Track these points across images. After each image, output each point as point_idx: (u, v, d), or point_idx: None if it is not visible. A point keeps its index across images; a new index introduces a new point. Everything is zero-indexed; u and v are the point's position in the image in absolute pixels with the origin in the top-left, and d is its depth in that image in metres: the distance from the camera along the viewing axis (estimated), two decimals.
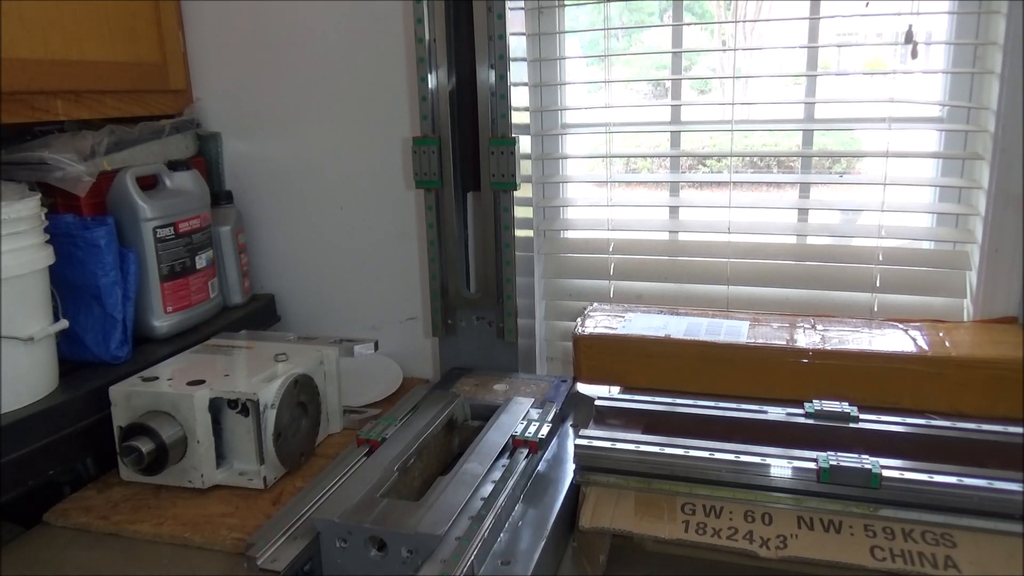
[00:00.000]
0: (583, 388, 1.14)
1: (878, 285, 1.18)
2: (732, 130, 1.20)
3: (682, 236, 1.28)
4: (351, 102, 1.31)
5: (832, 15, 1.14)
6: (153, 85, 1.28)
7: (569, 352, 1.17)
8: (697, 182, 1.36)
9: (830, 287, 1.21)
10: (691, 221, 1.28)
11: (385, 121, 1.30)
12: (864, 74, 1.19)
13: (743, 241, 1.23)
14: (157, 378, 0.98)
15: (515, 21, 1.09)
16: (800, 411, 0.92)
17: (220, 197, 1.32)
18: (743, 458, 0.80)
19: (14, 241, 0.91)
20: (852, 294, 1.20)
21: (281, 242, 1.41)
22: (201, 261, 1.22)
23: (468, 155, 1.12)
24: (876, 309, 1.19)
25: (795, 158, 1.27)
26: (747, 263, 1.23)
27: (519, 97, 1.11)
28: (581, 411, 1.08)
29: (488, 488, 0.80)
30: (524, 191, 1.14)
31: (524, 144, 1.12)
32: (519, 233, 1.13)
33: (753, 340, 1.06)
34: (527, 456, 0.89)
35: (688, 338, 1.08)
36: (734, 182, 1.23)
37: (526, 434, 0.92)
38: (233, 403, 0.95)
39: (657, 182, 1.38)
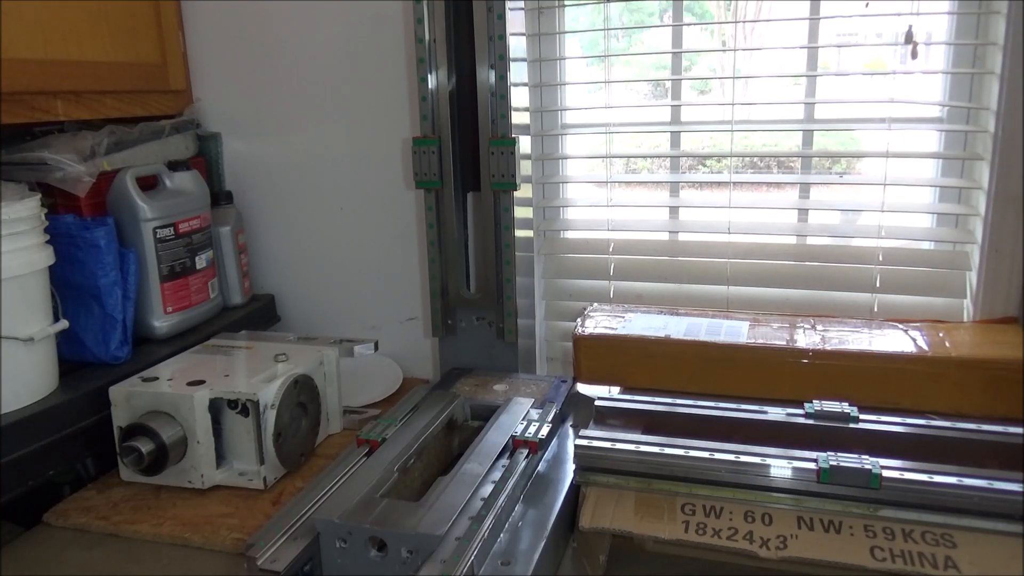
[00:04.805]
0: (583, 388, 1.14)
1: (878, 285, 1.18)
2: (732, 130, 1.20)
3: (682, 236, 1.28)
4: (351, 102, 1.31)
5: (832, 15, 1.14)
6: (153, 85, 1.28)
7: (569, 352, 1.17)
8: (697, 182, 1.36)
9: (830, 287, 1.21)
10: (691, 221, 1.28)
11: (385, 121, 1.30)
12: (864, 74, 1.19)
13: (743, 241, 1.23)
14: (157, 378, 0.98)
15: (515, 21, 1.09)
16: (800, 411, 0.92)
17: (220, 197, 1.32)
18: (743, 458, 0.80)
19: (14, 241, 0.91)
20: (852, 294, 1.20)
21: (281, 242, 1.41)
22: (201, 261, 1.22)
23: (468, 155, 1.12)
24: (876, 309, 1.19)
25: (795, 158, 1.27)
26: (747, 263, 1.23)
27: (519, 97, 1.11)
28: (581, 411, 1.08)
29: (488, 488, 0.80)
30: (524, 191, 1.14)
31: (524, 144, 1.12)
32: (519, 233, 1.13)
33: (753, 340, 1.06)
34: (527, 456, 0.89)
35: (688, 338, 1.08)
36: (734, 182, 1.23)
37: (526, 434, 0.92)
38: (233, 403, 0.95)
39: (657, 182, 1.38)
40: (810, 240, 1.25)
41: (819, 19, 1.15)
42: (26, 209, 0.93)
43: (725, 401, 0.96)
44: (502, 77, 1.06)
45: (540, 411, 0.99)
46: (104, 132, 1.13)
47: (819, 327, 1.10)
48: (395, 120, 1.29)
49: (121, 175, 1.12)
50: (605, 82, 1.25)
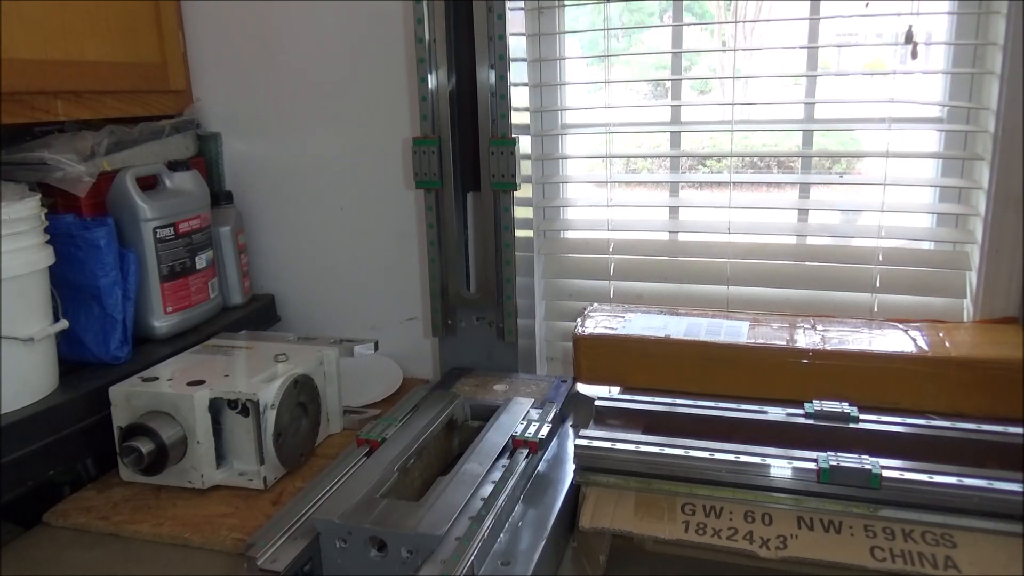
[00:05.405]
0: (583, 388, 1.14)
1: (878, 285, 1.18)
2: (732, 130, 1.20)
3: (682, 236, 1.28)
4: (351, 102, 1.31)
5: (832, 15, 1.14)
6: (153, 85, 1.28)
7: (569, 352, 1.17)
8: (697, 182, 1.36)
9: (830, 287, 1.21)
10: (691, 221, 1.28)
11: (385, 121, 1.30)
12: (864, 74, 1.19)
13: (743, 241, 1.23)
14: (157, 378, 0.98)
15: (515, 21, 1.09)
16: (800, 411, 0.91)
17: (220, 197, 1.32)
18: (743, 458, 0.80)
19: (14, 241, 0.91)
20: (852, 294, 1.20)
21: (281, 242, 1.41)
22: (201, 261, 1.22)
23: (468, 155, 1.12)
24: (876, 309, 1.19)
25: (795, 158, 1.27)
26: (747, 263, 1.23)
27: (519, 97, 1.11)
28: (581, 411, 1.08)
29: (488, 488, 0.80)
30: (524, 191, 1.14)
31: (524, 144, 1.12)
32: (519, 233, 1.13)
33: (753, 340, 1.06)
34: (527, 456, 0.89)
35: (688, 338, 1.08)
36: (734, 182, 1.23)
37: (526, 434, 0.92)
38: (233, 403, 0.95)
39: (657, 182, 1.38)
40: (810, 240, 1.25)
41: (819, 19, 1.15)
42: (26, 209, 0.93)
43: (725, 401, 0.96)
44: (502, 77, 1.06)
45: (540, 411, 0.99)
46: (104, 132, 1.13)
47: (819, 327, 1.10)
48: (395, 120, 1.29)
49: (121, 175, 1.12)
50: (605, 82, 1.25)
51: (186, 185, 1.21)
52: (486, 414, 0.99)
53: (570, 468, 0.89)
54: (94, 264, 1.04)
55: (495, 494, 0.79)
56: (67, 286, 1.04)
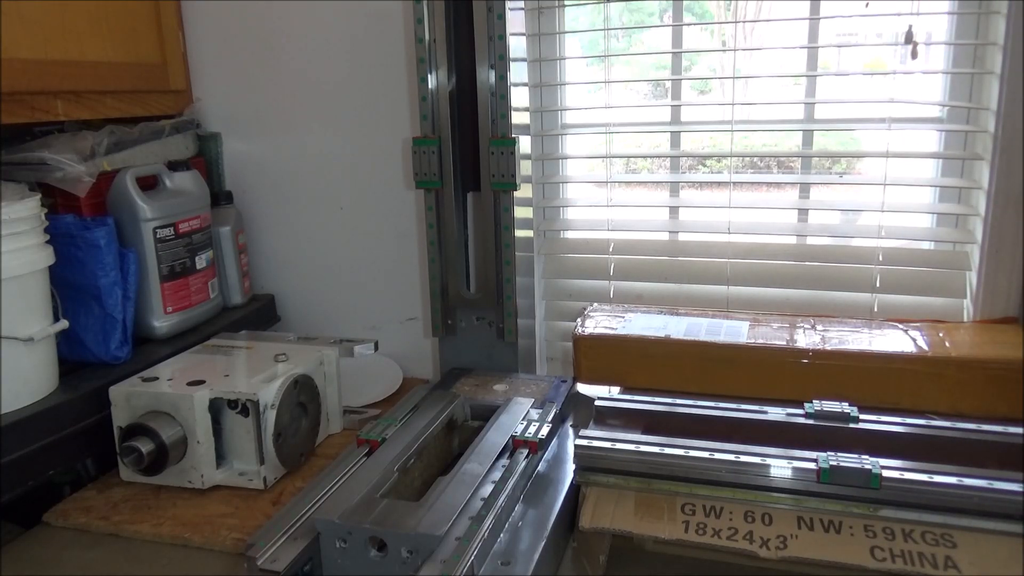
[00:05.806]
0: (583, 388, 1.14)
1: (878, 285, 1.18)
2: (732, 130, 1.20)
3: (682, 236, 1.28)
4: (351, 102, 1.31)
5: (832, 15, 1.14)
6: (153, 85, 1.28)
7: (569, 352, 1.17)
8: (697, 182, 1.36)
9: (830, 287, 1.21)
10: (691, 221, 1.28)
11: (385, 121, 1.30)
12: (864, 74, 1.19)
13: (743, 241, 1.23)
14: (157, 378, 0.98)
15: (515, 21, 1.09)
16: (800, 411, 0.91)
17: (220, 197, 1.32)
18: (743, 458, 0.80)
19: (14, 241, 0.91)
20: (852, 294, 1.20)
21: (281, 242, 1.41)
22: (201, 261, 1.22)
23: (468, 155, 1.12)
24: (876, 309, 1.19)
25: (795, 158, 1.27)
26: (747, 263, 1.23)
27: (519, 97, 1.11)
28: (581, 411, 1.08)
29: (488, 488, 0.80)
30: (524, 191, 1.14)
31: (524, 144, 1.12)
32: (519, 233, 1.13)
33: (753, 340, 1.06)
34: (527, 456, 0.89)
35: (688, 338, 1.08)
36: (734, 182, 1.23)
37: (526, 434, 0.92)
38: (233, 403, 0.95)
39: (657, 182, 1.38)
40: (810, 240, 1.25)
41: (819, 19, 1.15)
42: (26, 209, 0.93)
43: (725, 401, 0.96)
44: (502, 77, 1.06)
45: (540, 411, 0.99)
46: (104, 132, 1.13)
47: (819, 327, 1.10)
48: (395, 120, 1.29)
49: (121, 175, 1.12)
50: (605, 82, 1.25)
51: (186, 185, 1.21)
52: (486, 414, 0.99)
53: (570, 468, 0.89)
54: (94, 264, 1.04)
55: (495, 494, 0.79)
56: (67, 286, 1.04)
